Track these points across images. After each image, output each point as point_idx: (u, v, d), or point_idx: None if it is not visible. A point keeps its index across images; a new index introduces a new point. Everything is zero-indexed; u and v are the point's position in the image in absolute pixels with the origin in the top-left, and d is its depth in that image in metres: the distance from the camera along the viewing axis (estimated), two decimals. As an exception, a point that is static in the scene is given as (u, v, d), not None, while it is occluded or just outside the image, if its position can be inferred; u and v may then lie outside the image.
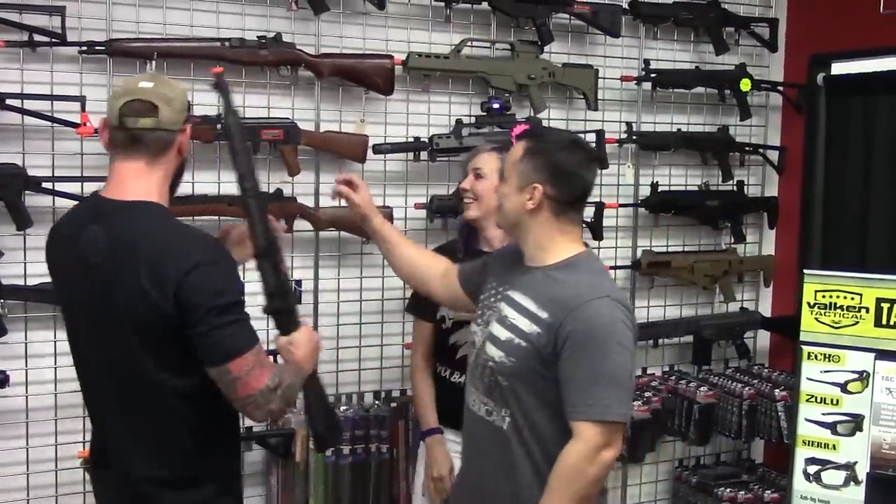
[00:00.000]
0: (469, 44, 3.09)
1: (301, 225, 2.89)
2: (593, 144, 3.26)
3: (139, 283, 1.70)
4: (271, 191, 2.84)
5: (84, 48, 2.59)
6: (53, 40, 2.56)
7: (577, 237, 1.96)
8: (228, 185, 2.81)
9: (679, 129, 3.52)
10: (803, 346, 1.86)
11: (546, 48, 3.22)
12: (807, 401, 1.92)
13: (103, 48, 2.59)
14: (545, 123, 3.21)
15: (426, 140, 2.99)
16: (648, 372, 3.54)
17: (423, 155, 3.01)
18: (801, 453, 1.86)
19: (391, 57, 2.94)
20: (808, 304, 1.93)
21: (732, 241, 3.66)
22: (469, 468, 2.07)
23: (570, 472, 1.76)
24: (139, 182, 1.79)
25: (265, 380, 1.75)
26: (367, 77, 2.91)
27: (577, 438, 1.77)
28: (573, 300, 1.81)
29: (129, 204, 1.77)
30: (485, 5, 3.12)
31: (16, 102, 2.53)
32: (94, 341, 1.80)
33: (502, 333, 1.90)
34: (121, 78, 2.54)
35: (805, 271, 1.90)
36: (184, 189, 2.71)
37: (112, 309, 1.73)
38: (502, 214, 1.98)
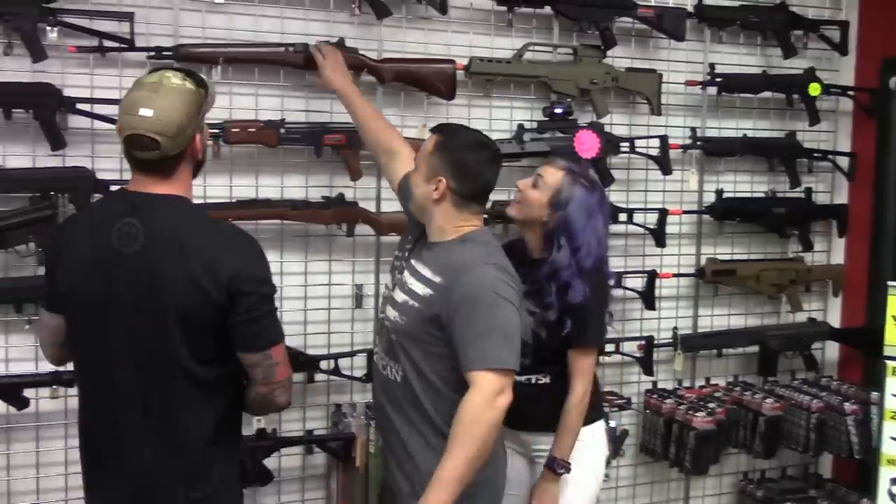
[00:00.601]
0: (531, 48, 3.07)
1: (362, 229, 2.89)
2: (656, 150, 3.22)
3: (189, 272, 1.76)
4: (333, 195, 2.84)
5: (152, 54, 2.62)
6: (122, 46, 2.61)
7: (476, 223, 2.15)
8: (292, 189, 2.85)
9: (745, 135, 3.45)
10: (888, 361, 1.79)
11: (609, 52, 3.18)
12: (892, 418, 1.84)
13: (170, 54, 2.62)
14: (607, 129, 3.17)
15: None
16: (712, 382, 3.46)
17: (485, 160, 2.98)
18: (886, 473, 1.78)
19: (453, 62, 2.93)
20: (894, 317, 1.84)
21: (800, 249, 3.57)
22: (376, 417, 2.32)
23: (470, 418, 1.92)
24: (162, 185, 1.85)
25: (290, 368, 1.95)
26: (428, 82, 2.91)
27: (474, 388, 1.94)
28: (462, 266, 2.02)
29: (161, 197, 1.83)
30: (547, 9, 3.09)
31: (85, 107, 2.58)
32: (125, 331, 1.81)
33: (400, 297, 2.12)
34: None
35: (889, 283, 1.82)
36: (247, 193, 2.79)
37: (156, 297, 1.78)
38: (412, 200, 2.18)
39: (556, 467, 2.37)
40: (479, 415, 1.93)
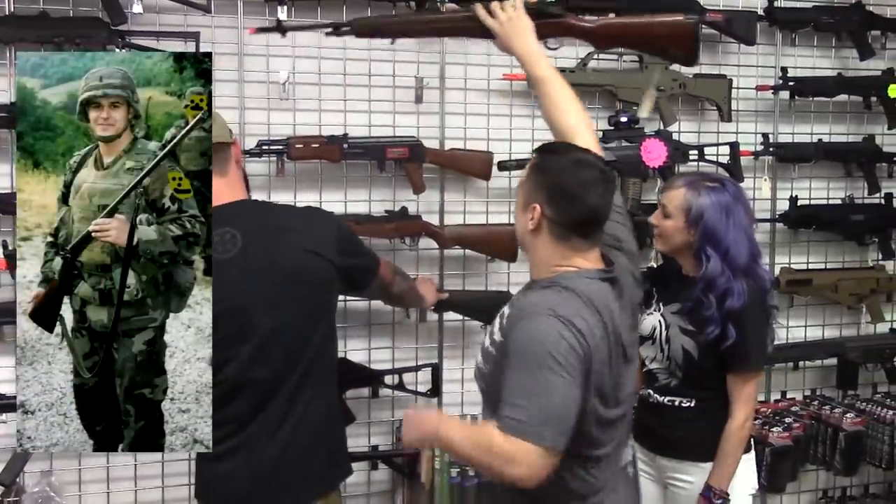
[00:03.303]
0: (596, 56, 3.02)
1: (426, 243, 2.88)
2: (726, 158, 3.14)
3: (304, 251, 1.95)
4: (396, 209, 2.84)
5: (329, 30, 2.34)
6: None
7: (579, 263, 1.77)
8: (356, 203, 2.85)
9: (820, 140, 3.33)
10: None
11: (676, 59, 3.11)
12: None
13: (347, 28, 2.26)
14: (675, 136, 3.10)
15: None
16: (788, 396, 3.35)
17: (549, 171, 2.95)
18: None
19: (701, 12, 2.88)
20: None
21: (880, 257, 3.43)
22: None
23: (486, 447, 1.65)
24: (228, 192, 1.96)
25: None
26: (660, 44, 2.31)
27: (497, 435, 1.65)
28: (516, 316, 1.74)
29: (240, 203, 1.98)
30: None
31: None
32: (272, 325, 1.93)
33: (486, 341, 1.86)
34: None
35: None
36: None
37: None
38: (516, 232, 1.89)
39: (713, 497, 2.27)
40: (490, 465, 1.67)
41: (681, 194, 2.32)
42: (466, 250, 2.94)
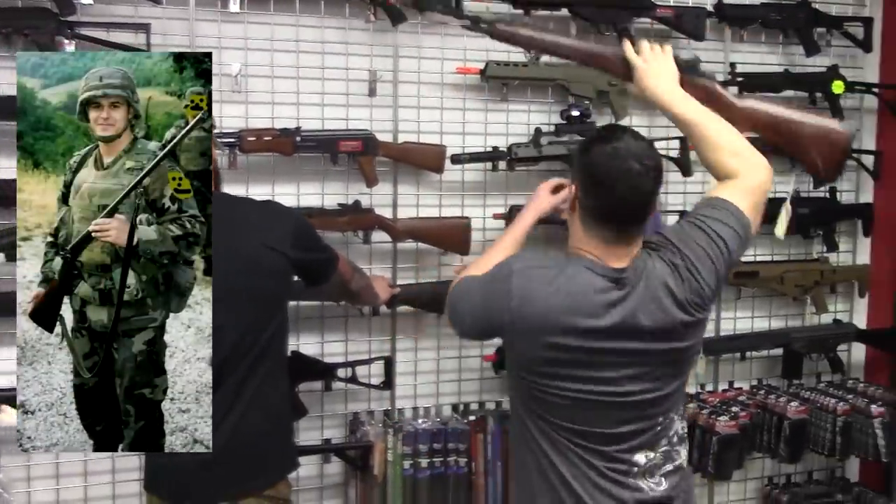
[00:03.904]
0: (548, 51, 3.04)
1: (379, 236, 2.88)
2: (676, 152, 3.18)
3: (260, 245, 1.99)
4: (349, 202, 2.84)
5: (468, 23, 2.32)
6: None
7: (613, 255, 1.77)
8: (309, 197, 2.85)
9: (767, 135, 3.40)
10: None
11: (627, 54, 3.14)
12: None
13: (485, 27, 2.27)
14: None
15: (504, 149, 2.96)
16: (735, 386, 3.42)
17: (502, 164, 2.97)
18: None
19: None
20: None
21: (824, 249, 3.51)
22: None
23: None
24: None
25: None
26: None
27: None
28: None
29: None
30: (564, 11, 3.06)
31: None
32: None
33: None
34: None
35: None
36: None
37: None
38: None
39: None
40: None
41: None
42: (419, 243, 2.95)
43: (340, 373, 2.83)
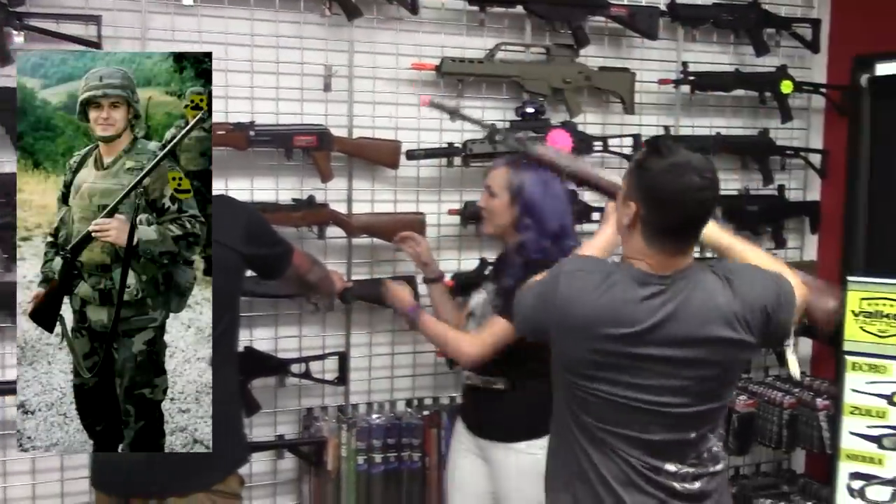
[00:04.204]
0: (503, 48, 3.06)
1: (334, 231, 2.88)
2: (630, 149, 3.22)
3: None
4: (304, 197, 2.83)
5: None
6: (90, 49, 2.58)
7: (663, 268, 1.78)
8: (262, 192, 2.83)
9: (718, 133, 3.45)
10: (847, 357, 1.79)
11: (582, 51, 3.17)
12: (851, 413, 1.85)
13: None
14: (581, 128, 3.17)
15: (459, 145, 2.97)
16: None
17: (457, 160, 2.98)
18: (845, 467, 1.80)
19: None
20: (853, 312, 1.85)
21: (773, 246, 3.58)
22: None
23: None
24: None
25: None
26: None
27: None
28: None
29: None
30: (519, 9, 3.08)
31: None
32: None
33: None
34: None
35: (848, 278, 1.81)
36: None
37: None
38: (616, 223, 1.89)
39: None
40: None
41: (503, 173, 2.44)
42: (374, 239, 2.95)
43: (294, 368, 2.82)
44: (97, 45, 2.57)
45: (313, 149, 2.80)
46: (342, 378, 2.91)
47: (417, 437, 2.90)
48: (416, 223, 2.92)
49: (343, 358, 2.91)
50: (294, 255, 2.24)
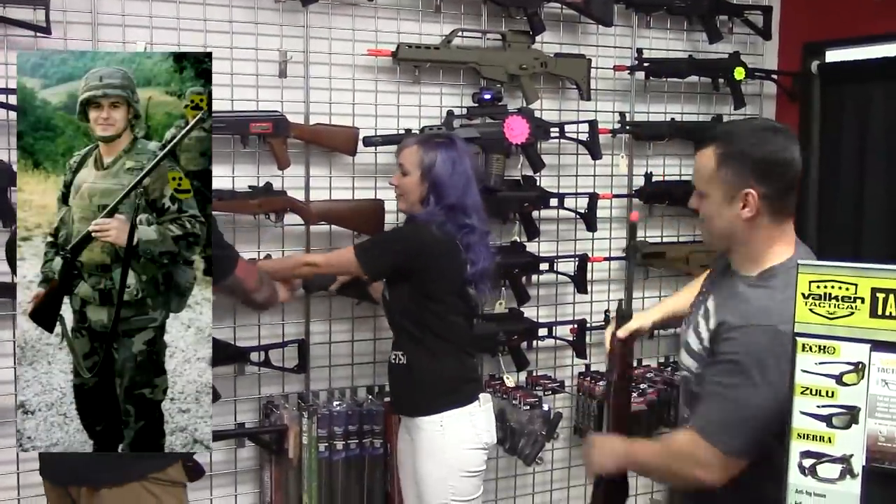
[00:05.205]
0: (460, 34, 3.06)
1: (291, 219, 2.86)
2: (586, 135, 3.25)
3: None
4: (261, 184, 2.81)
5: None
6: (38, 35, 2.53)
7: (791, 237, 1.78)
8: (218, 179, 2.79)
9: (673, 119, 3.49)
10: (797, 338, 1.83)
11: (538, 38, 3.18)
12: (801, 393, 1.88)
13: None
14: (537, 114, 3.18)
15: (417, 132, 2.97)
16: (644, 364, 3.52)
17: (415, 147, 2.98)
18: (796, 446, 1.84)
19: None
20: (803, 294, 1.88)
21: (727, 230, 3.63)
22: None
23: (676, 452, 1.76)
24: None
25: None
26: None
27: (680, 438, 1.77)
28: (738, 323, 1.70)
29: None
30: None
31: (1, 97, 2.50)
32: None
33: (695, 343, 1.82)
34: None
35: (798, 262, 1.86)
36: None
37: None
38: (713, 233, 1.81)
39: None
40: (680, 458, 1.75)
41: (415, 151, 2.52)
42: (332, 226, 2.94)
43: (253, 356, 2.81)
44: (46, 31, 2.52)
45: (269, 135, 2.78)
46: (302, 366, 2.90)
47: (379, 423, 2.90)
48: (375, 210, 2.91)
49: (303, 345, 2.90)
50: (238, 267, 2.10)
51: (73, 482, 1.96)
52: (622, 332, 2.05)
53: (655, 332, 3.50)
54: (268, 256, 2.81)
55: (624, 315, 2.07)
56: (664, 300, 2.37)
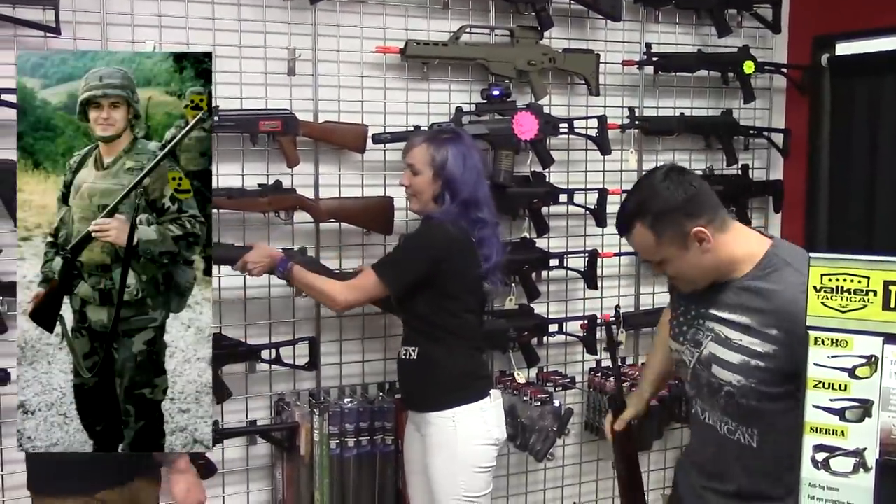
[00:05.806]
0: (468, 30, 3.06)
1: (301, 216, 2.86)
2: (595, 131, 3.24)
3: None
4: (270, 182, 2.81)
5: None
6: (48, 35, 2.54)
7: (746, 228, 1.91)
8: (228, 177, 2.81)
9: (682, 113, 3.48)
10: (810, 331, 1.82)
11: (546, 33, 3.18)
12: (814, 387, 1.88)
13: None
14: (546, 110, 3.18)
15: (426, 128, 2.97)
16: (654, 359, 3.51)
17: (424, 144, 2.98)
18: (809, 440, 1.84)
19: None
20: (815, 287, 1.88)
21: (738, 225, 3.63)
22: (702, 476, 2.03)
23: None
24: None
25: None
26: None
27: None
28: (795, 305, 1.74)
29: None
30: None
31: (11, 98, 2.50)
32: None
33: (732, 357, 1.85)
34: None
35: (810, 255, 1.86)
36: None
37: None
38: (696, 280, 1.88)
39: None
40: None
41: (424, 149, 2.51)
42: (342, 224, 2.94)
43: (264, 354, 2.81)
44: (56, 31, 2.53)
45: (279, 133, 2.78)
46: (313, 363, 2.91)
47: (390, 420, 2.90)
48: (385, 207, 2.92)
49: (314, 343, 2.91)
50: None
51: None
52: (619, 426, 2.14)
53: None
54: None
55: (618, 405, 2.15)
56: (643, 372, 2.37)
